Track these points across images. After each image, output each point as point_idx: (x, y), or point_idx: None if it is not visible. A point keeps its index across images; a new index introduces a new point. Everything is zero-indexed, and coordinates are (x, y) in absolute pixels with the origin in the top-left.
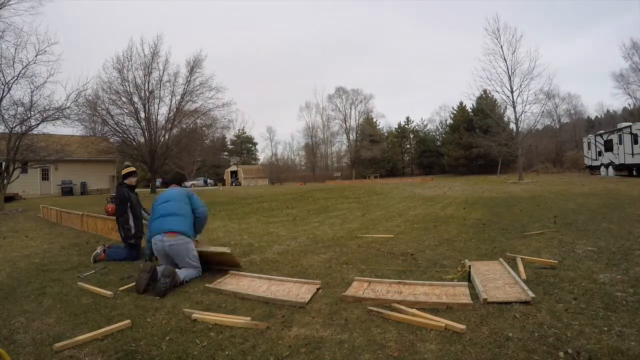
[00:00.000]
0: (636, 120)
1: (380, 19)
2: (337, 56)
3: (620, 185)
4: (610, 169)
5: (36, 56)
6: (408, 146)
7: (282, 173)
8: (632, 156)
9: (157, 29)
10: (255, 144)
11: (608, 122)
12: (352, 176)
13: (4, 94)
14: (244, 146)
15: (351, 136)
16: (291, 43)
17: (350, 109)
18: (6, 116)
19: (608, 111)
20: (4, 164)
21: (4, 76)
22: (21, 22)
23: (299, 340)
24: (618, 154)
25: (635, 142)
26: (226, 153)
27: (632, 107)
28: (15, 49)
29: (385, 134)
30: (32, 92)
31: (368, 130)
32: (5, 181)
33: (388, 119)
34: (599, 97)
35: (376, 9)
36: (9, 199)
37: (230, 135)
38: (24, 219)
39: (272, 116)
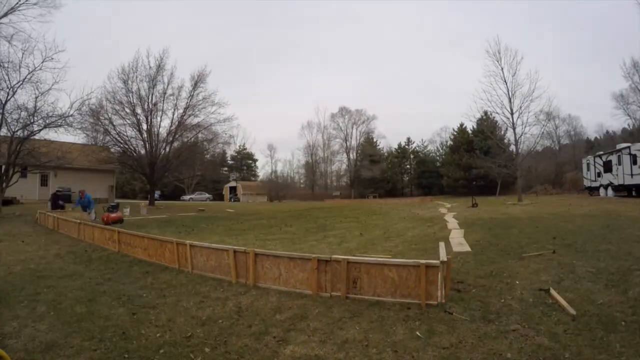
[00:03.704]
0: (636, 141)
1: (382, 37)
2: (339, 76)
3: (620, 206)
4: (610, 189)
5: (42, 62)
6: (408, 166)
7: (281, 190)
8: (631, 177)
9: (162, 42)
10: (255, 161)
11: (607, 143)
12: (351, 195)
13: (9, 97)
14: (244, 162)
15: (351, 156)
16: (295, 61)
17: (352, 128)
18: (9, 120)
19: (607, 132)
20: (3, 167)
21: (9, 80)
22: (29, 28)
23: (295, 359)
24: (617, 175)
25: (634, 162)
26: (226, 168)
27: (631, 127)
28: (23, 54)
29: (386, 154)
30: (36, 97)
31: (368, 150)
32: (4, 184)
33: (389, 139)
34: (599, 117)
35: (379, 28)
36: (7, 202)
37: (230, 151)
38: (21, 223)
39: (273, 133)
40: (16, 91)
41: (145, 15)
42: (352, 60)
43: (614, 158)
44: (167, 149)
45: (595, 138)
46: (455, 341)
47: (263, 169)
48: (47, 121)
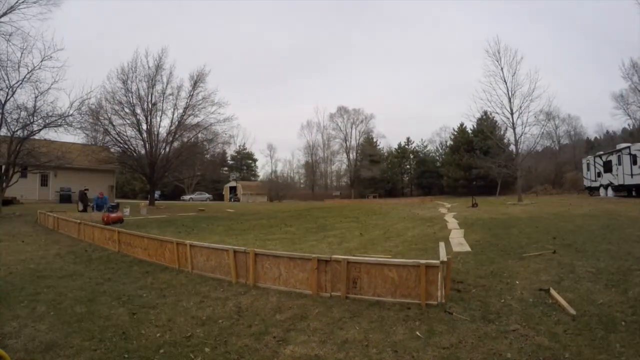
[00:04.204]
0: (635, 141)
1: (382, 40)
2: (339, 75)
3: (620, 206)
4: (610, 189)
5: (42, 61)
6: (408, 166)
7: (281, 190)
8: (631, 177)
9: (161, 42)
10: (255, 161)
11: (607, 143)
12: (351, 195)
13: (8, 97)
14: (244, 162)
15: (351, 155)
16: (294, 61)
17: (351, 128)
18: (9, 119)
19: (607, 132)
20: (3, 167)
21: (8, 79)
22: (28, 26)
23: (295, 359)
24: (617, 175)
25: (634, 162)
26: (226, 168)
27: (631, 127)
28: (22, 53)
29: (385, 154)
30: (35, 97)
31: (368, 150)
32: (4, 184)
33: (388, 139)
34: (599, 117)
35: (380, 31)
36: (7, 202)
37: (230, 151)
38: (21, 223)
39: (273, 133)
40: (15, 91)
41: (144, 15)
42: (352, 60)
43: (614, 158)
44: (167, 149)
45: (595, 138)
46: (455, 341)
47: (263, 169)
48: (47, 121)
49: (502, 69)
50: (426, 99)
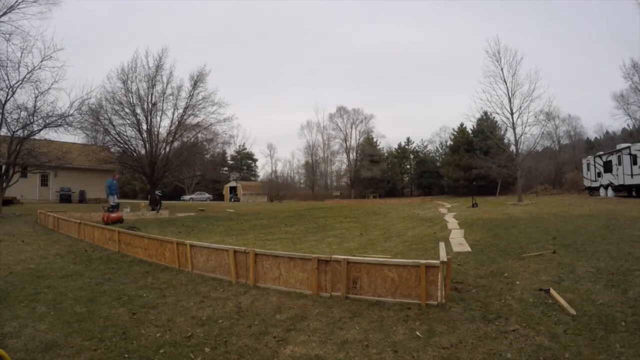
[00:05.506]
0: (635, 141)
1: (382, 38)
2: (339, 75)
3: (620, 206)
4: (610, 190)
5: (42, 61)
6: (408, 167)
7: (281, 190)
8: (632, 177)
9: (163, 42)
10: (255, 161)
11: (607, 143)
12: (351, 195)
13: (8, 97)
14: (244, 162)
15: (351, 156)
16: (293, 61)
17: (351, 128)
18: (9, 119)
19: (607, 132)
20: (3, 167)
21: (9, 79)
22: (28, 25)
23: (295, 359)
24: (617, 175)
25: (635, 162)
26: (226, 168)
27: (631, 127)
28: (22, 53)
29: (386, 154)
30: (36, 97)
31: (368, 150)
32: (4, 184)
33: (388, 139)
34: (599, 117)
35: (381, 30)
36: (7, 202)
37: (230, 151)
38: (21, 223)
39: (273, 133)
40: (15, 91)
41: (145, 15)
42: (352, 60)
43: (614, 158)
44: (167, 149)
45: (595, 138)
46: (455, 341)
47: (263, 169)
48: (47, 121)
49: (502, 69)
50: (426, 99)
